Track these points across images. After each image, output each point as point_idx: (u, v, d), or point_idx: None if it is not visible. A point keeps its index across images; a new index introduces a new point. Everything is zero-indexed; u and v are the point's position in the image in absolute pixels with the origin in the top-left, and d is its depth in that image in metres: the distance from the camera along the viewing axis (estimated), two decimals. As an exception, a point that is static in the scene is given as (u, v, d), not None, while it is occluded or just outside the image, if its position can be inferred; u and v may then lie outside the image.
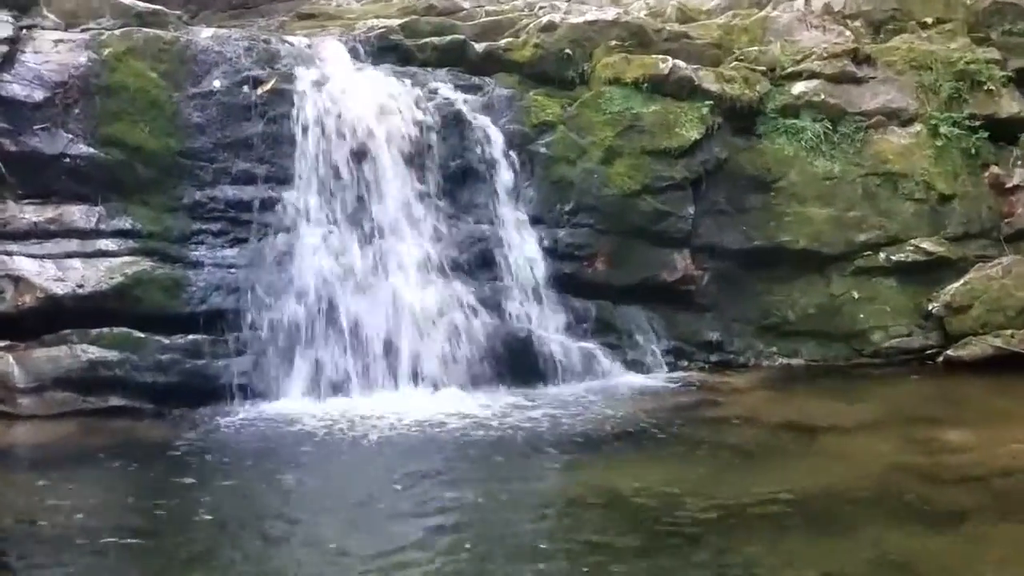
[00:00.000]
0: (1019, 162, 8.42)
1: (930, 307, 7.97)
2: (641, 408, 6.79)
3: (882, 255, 8.08)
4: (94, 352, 6.77)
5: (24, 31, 7.28)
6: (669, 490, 5.23)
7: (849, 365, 7.91)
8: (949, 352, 7.81)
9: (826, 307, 8.02)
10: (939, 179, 8.24)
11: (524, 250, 7.58)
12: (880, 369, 7.80)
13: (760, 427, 6.41)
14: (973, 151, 8.33)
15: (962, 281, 7.95)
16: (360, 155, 7.42)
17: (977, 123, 8.37)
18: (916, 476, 5.43)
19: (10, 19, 7.22)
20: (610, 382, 7.42)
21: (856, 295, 8.01)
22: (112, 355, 6.79)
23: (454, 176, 7.65)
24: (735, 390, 7.30)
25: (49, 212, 7.04)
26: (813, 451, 5.97)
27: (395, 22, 8.45)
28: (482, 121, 7.73)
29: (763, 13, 9.01)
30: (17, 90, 7.07)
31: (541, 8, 9.16)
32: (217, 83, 7.40)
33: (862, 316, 7.99)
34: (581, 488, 5.38)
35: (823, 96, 8.30)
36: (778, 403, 7.01)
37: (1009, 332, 7.68)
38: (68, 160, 7.08)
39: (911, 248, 8.09)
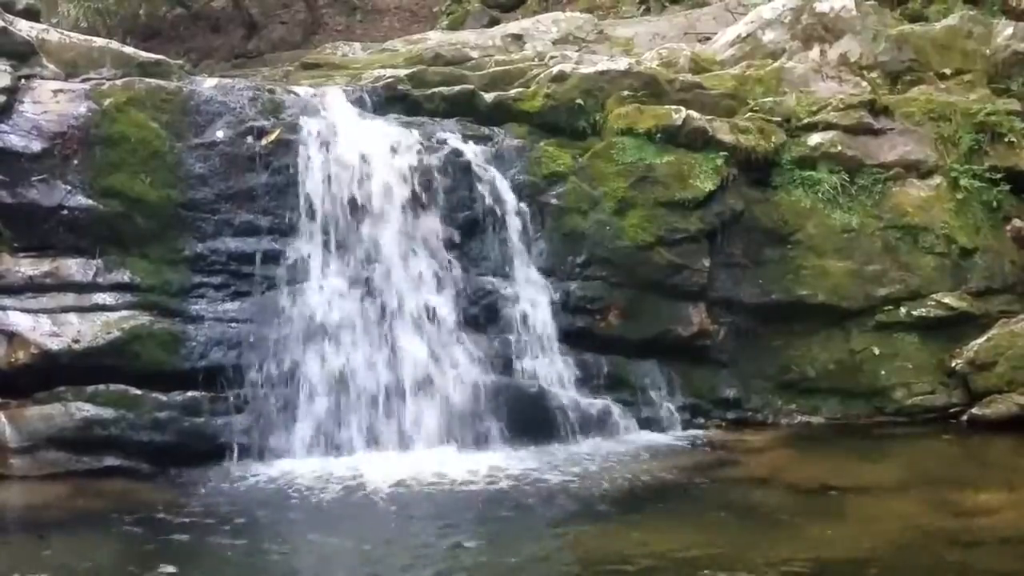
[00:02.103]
0: (1042, 215, 8.25)
1: (953, 364, 7.79)
2: (656, 468, 6.63)
3: (903, 310, 7.92)
4: (89, 410, 6.60)
5: (23, 81, 7.18)
6: (686, 556, 5.06)
7: (871, 423, 7.72)
8: (974, 410, 7.63)
9: (846, 363, 7.84)
10: (960, 232, 8.10)
11: (535, 303, 7.43)
12: (903, 428, 7.62)
13: (780, 489, 6.26)
14: (994, 204, 8.19)
15: (986, 337, 7.78)
16: (365, 206, 7.28)
17: (998, 175, 8.23)
18: (944, 540, 5.27)
19: (8, 68, 7.13)
20: (624, 440, 7.25)
21: (877, 351, 7.84)
22: (107, 413, 6.62)
23: (462, 228, 7.52)
24: (753, 449, 7.13)
25: (45, 265, 6.89)
26: (836, 514, 5.78)
27: (402, 72, 8.38)
28: (491, 172, 7.62)
29: (778, 64, 8.91)
30: (14, 141, 6.96)
31: (552, 58, 9.08)
32: (220, 133, 7.29)
33: (884, 373, 7.81)
34: (593, 552, 5.22)
35: (840, 147, 8.17)
36: (799, 463, 6.85)
37: (1035, 390, 7.49)
38: (66, 212, 6.94)
39: (933, 303, 7.93)
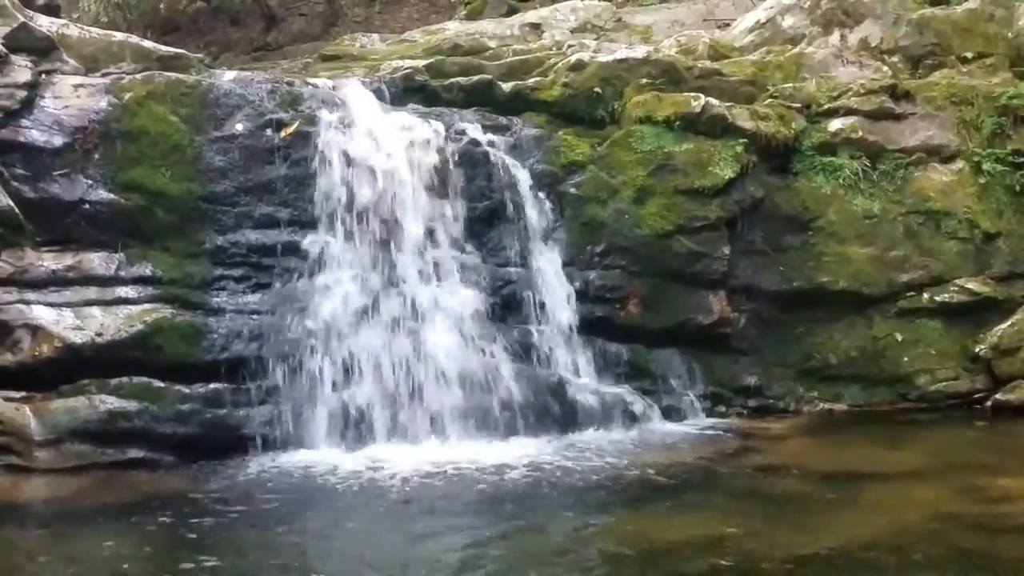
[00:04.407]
0: (1066, 199, 8.17)
1: (977, 349, 7.75)
2: (677, 457, 6.62)
3: (926, 296, 7.88)
4: (112, 402, 6.62)
5: (43, 76, 7.23)
6: (707, 545, 5.04)
7: (893, 410, 7.69)
8: (998, 396, 7.61)
9: (868, 350, 7.81)
10: (983, 217, 8.04)
11: (554, 293, 7.42)
12: (926, 414, 7.58)
13: (802, 476, 6.22)
14: (1017, 188, 8.12)
15: (1009, 322, 7.75)
16: (384, 197, 7.28)
17: (1021, 159, 8.16)
18: (968, 526, 5.24)
19: (29, 64, 7.17)
20: (645, 429, 7.23)
21: (899, 337, 7.80)
22: (131, 405, 6.64)
23: (481, 218, 7.52)
24: (775, 437, 7.11)
25: (68, 259, 6.94)
26: (858, 501, 5.75)
27: (420, 62, 8.39)
28: (510, 162, 7.62)
29: (798, 49, 8.87)
30: (36, 136, 7.01)
31: (570, 47, 9.07)
32: (240, 126, 7.32)
33: (906, 359, 7.77)
34: (615, 542, 5.21)
35: (861, 133, 8.12)
36: (821, 451, 6.82)
37: (1060, 375, 7.44)
38: (87, 206, 6.99)
39: (956, 288, 7.88)
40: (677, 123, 7.83)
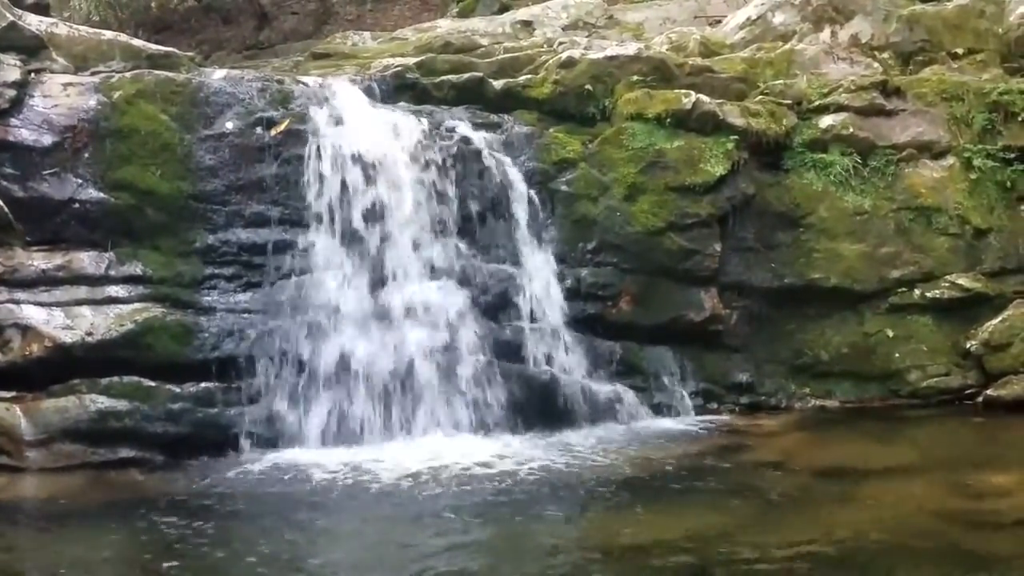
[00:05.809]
0: (1056, 194, 8.19)
1: (968, 345, 7.74)
2: (669, 453, 6.62)
3: (917, 292, 7.87)
4: (103, 402, 6.62)
5: (32, 75, 7.20)
6: (697, 541, 5.05)
7: (885, 406, 7.69)
8: (989, 392, 7.59)
9: (860, 346, 7.80)
10: (974, 213, 8.04)
11: (546, 290, 7.42)
12: (918, 410, 7.58)
13: (794, 472, 6.23)
14: (1008, 184, 8.11)
15: (1000, 318, 7.74)
16: (375, 195, 7.27)
17: (1012, 155, 8.15)
18: (959, 522, 5.25)
19: (18, 63, 7.15)
20: (636, 426, 7.23)
21: (891, 333, 7.80)
22: (122, 405, 6.63)
23: (472, 216, 7.50)
24: (767, 433, 7.11)
25: (58, 259, 6.92)
26: (850, 497, 5.76)
27: (411, 60, 8.38)
28: (501, 159, 7.60)
29: (788, 46, 8.88)
30: (25, 135, 6.98)
31: (560, 44, 9.06)
32: (230, 124, 7.29)
33: (898, 355, 7.77)
34: (608, 538, 5.21)
35: (852, 129, 8.11)
36: (812, 447, 6.83)
37: (1051, 370, 7.45)
38: (77, 205, 6.97)
39: (947, 284, 7.88)
40: (668, 120, 7.81)
